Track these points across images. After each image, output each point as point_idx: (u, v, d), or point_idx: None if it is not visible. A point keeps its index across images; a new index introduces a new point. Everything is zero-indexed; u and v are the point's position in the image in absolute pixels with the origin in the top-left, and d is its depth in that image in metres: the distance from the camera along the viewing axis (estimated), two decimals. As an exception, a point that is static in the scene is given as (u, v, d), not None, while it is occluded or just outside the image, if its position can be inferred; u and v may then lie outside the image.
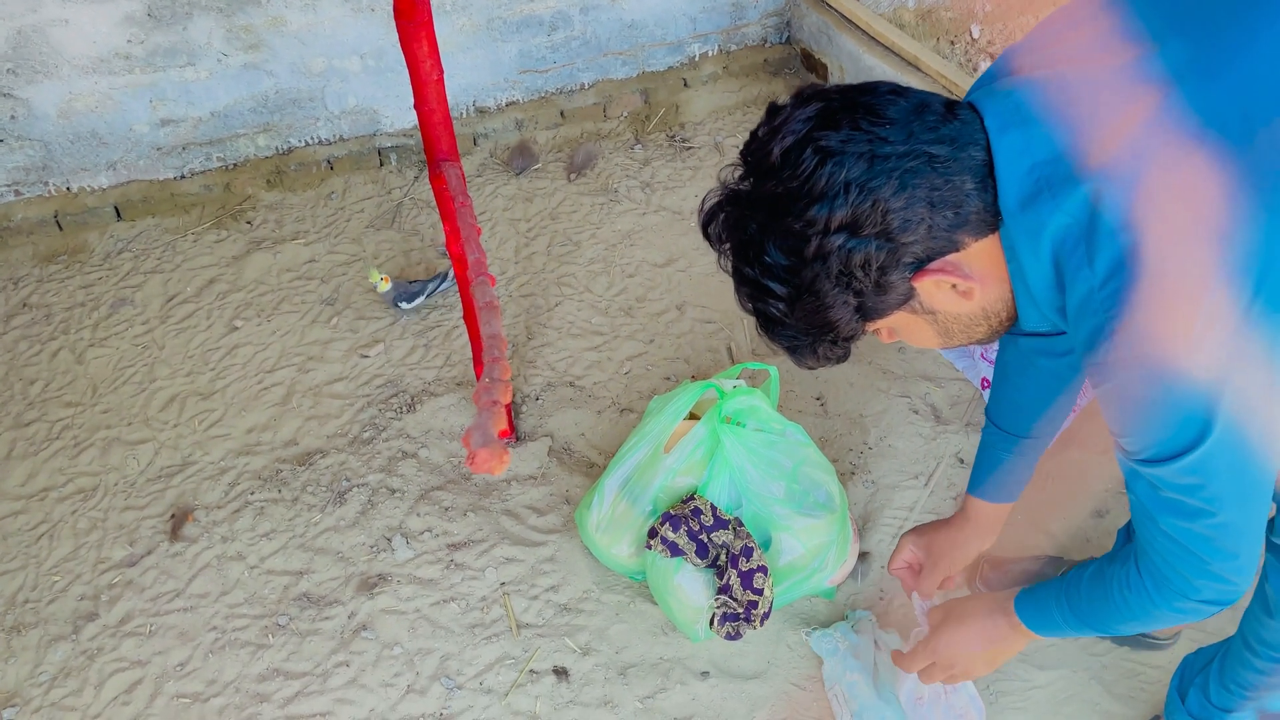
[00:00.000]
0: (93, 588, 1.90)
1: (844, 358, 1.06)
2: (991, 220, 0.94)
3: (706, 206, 1.01)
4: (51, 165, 2.56)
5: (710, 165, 2.84)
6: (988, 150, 0.93)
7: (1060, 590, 1.18)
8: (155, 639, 1.82)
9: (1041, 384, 1.32)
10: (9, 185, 2.55)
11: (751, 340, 2.32)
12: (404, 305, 2.36)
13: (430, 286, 2.38)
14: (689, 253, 2.55)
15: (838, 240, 0.91)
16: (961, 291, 0.97)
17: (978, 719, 1.54)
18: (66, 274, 2.54)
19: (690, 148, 2.91)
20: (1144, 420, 0.91)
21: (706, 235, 1.01)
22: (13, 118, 2.45)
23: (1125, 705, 1.68)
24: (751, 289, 0.99)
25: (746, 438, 1.75)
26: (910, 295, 0.97)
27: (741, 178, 0.97)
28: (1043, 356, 1.29)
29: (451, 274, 2.41)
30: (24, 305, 2.46)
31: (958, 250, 0.95)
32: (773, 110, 0.96)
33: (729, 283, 1.03)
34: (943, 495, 1.99)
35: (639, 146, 2.90)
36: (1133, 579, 1.08)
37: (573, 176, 2.80)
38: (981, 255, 0.96)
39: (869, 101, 0.92)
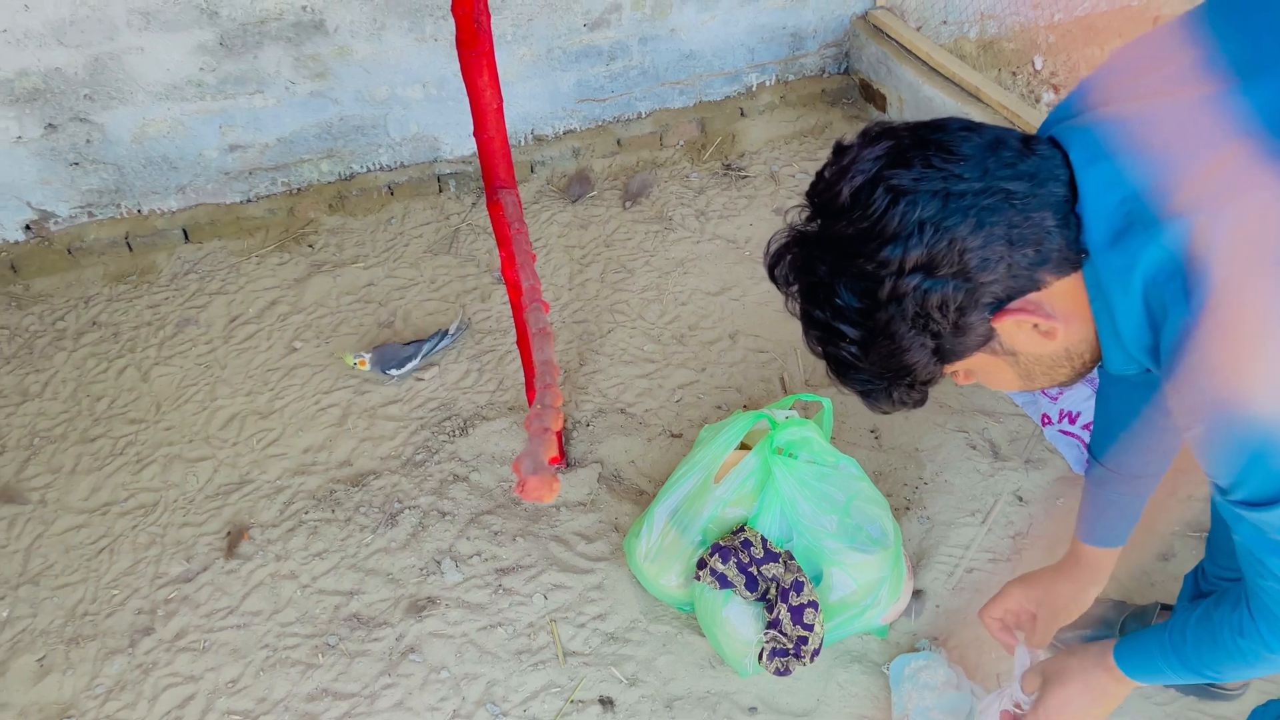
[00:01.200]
0: (150, 602, 1.93)
1: (921, 402, 1.03)
2: (1074, 257, 0.92)
3: (773, 249, 0.98)
4: (124, 188, 2.64)
5: (766, 194, 2.83)
6: (1069, 186, 0.90)
7: (1164, 637, 1.14)
8: (209, 655, 1.84)
9: (1147, 418, 1.26)
10: (83, 207, 2.64)
11: (805, 371, 2.30)
12: (393, 373, 2.29)
13: (426, 346, 2.32)
14: (743, 281, 2.54)
15: (913, 281, 0.88)
16: (1044, 332, 0.94)
17: None
18: (135, 294, 2.61)
19: (746, 176, 2.91)
20: (1244, 463, 0.88)
21: (773, 278, 0.99)
22: (88, 141, 2.54)
23: (1191, 757, 1.62)
24: (822, 332, 0.97)
25: (798, 469, 1.73)
26: (990, 336, 0.94)
27: (809, 219, 0.95)
28: (1147, 389, 1.25)
29: (452, 330, 2.38)
30: (94, 323, 2.53)
31: (1039, 289, 0.92)
32: (840, 150, 0.94)
33: (783, 312, 1.01)
34: (1000, 533, 1.94)
35: (695, 175, 2.91)
36: (1245, 623, 1.03)
37: (628, 204, 2.82)
38: (1064, 294, 0.93)
39: (941, 139, 0.90)
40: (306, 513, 2.06)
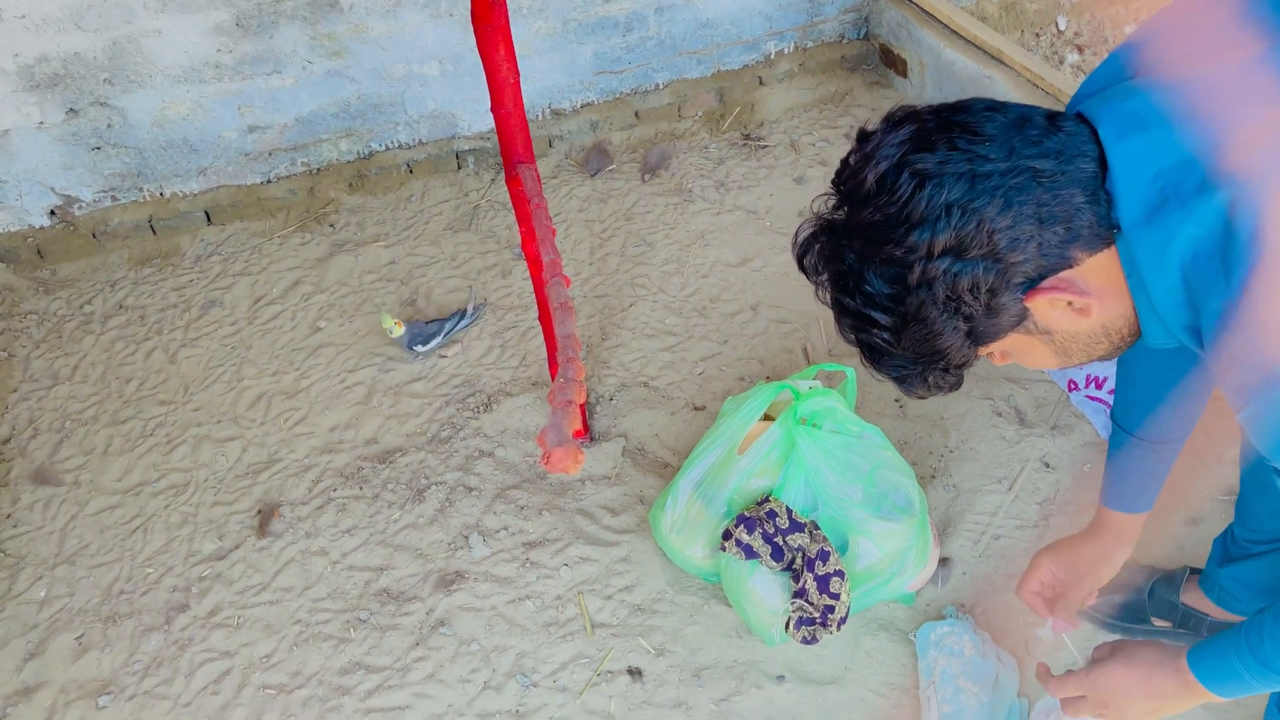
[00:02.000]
0: (184, 580, 1.96)
1: (957, 385, 1.02)
2: (1106, 234, 0.90)
3: (800, 238, 0.98)
4: (145, 171, 2.66)
5: (786, 164, 2.81)
6: (1099, 162, 0.89)
7: (1237, 638, 1.08)
8: (243, 631, 1.88)
9: (1169, 382, 1.25)
10: (105, 191, 2.66)
11: (828, 340, 2.29)
12: (419, 349, 2.28)
13: (448, 326, 2.32)
14: (764, 252, 2.53)
15: (943, 265, 0.88)
16: (1078, 309, 0.93)
17: None
18: (160, 276, 2.63)
19: (765, 146, 2.88)
20: None
21: (802, 267, 0.99)
22: (109, 126, 2.55)
23: (1219, 717, 1.62)
24: (854, 320, 0.97)
25: (823, 439, 1.73)
26: (1024, 316, 0.93)
27: (835, 207, 0.95)
28: (1171, 353, 1.22)
29: (470, 310, 2.38)
30: (120, 307, 2.56)
31: (1071, 266, 0.91)
32: (863, 136, 0.93)
33: (805, 283, 1.01)
34: (1027, 500, 1.93)
35: (714, 146, 2.89)
36: None
37: (647, 177, 2.80)
38: (1098, 270, 0.92)
39: (965, 120, 0.89)
40: (335, 490, 2.09)
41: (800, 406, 1.74)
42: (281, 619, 1.89)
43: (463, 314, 2.38)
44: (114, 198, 2.68)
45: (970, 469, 2.00)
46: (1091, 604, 1.44)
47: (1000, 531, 1.89)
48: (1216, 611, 1.65)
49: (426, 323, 2.34)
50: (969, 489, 1.96)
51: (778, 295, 2.41)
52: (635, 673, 1.75)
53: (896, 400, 2.14)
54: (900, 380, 1.02)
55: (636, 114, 2.96)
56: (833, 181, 0.95)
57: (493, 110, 1.64)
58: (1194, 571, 1.72)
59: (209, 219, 2.75)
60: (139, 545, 2.03)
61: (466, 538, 1.97)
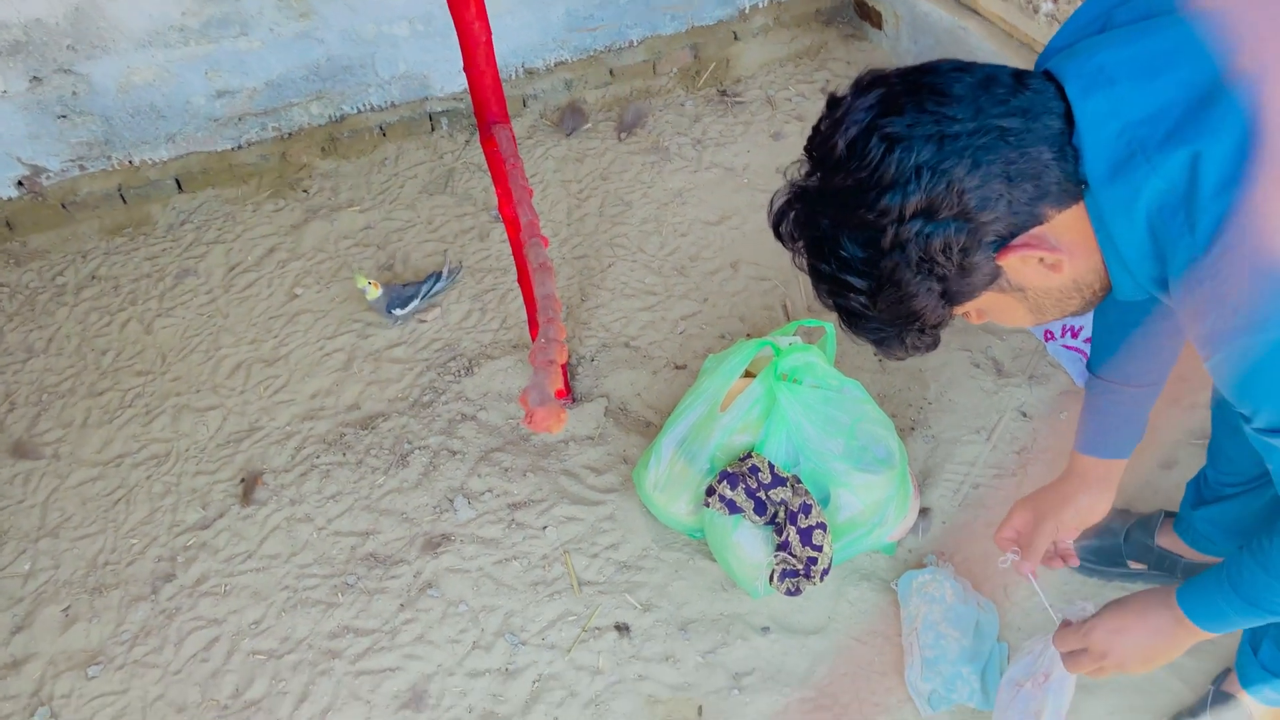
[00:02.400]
0: (169, 550, 1.96)
1: (934, 345, 1.03)
2: (1074, 189, 0.91)
3: (775, 206, 0.99)
4: (113, 139, 2.62)
5: (762, 119, 2.80)
6: (1065, 118, 0.90)
7: (1220, 575, 1.11)
8: (230, 598, 1.88)
9: (1145, 328, 1.26)
10: (74, 160, 2.61)
11: (807, 297, 2.30)
12: (397, 312, 2.26)
13: (424, 288, 2.31)
14: (742, 210, 2.53)
15: (914, 227, 0.89)
16: (1050, 265, 0.94)
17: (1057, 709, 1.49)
18: (132, 246, 2.60)
19: (742, 102, 2.87)
20: (1260, 392, 0.88)
21: (778, 235, 1.00)
22: (74, 93, 2.50)
23: (1195, 658, 1.65)
24: (830, 285, 0.98)
25: (803, 394, 1.74)
26: (997, 274, 0.95)
27: (808, 174, 0.96)
28: (1146, 302, 1.22)
29: (446, 273, 2.36)
30: (93, 278, 2.53)
31: (1041, 223, 0.92)
32: (833, 102, 0.94)
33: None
34: (1005, 450, 1.96)
35: (689, 102, 2.87)
36: None
37: (623, 135, 2.79)
38: (1068, 226, 0.93)
39: (932, 81, 0.90)
40: (318, 457, 2.09)
41: (781, 363, 1.75)
42: (269, 586, 1.89)
43: (438, 276, 2.36)
44: (82, 167, 2.64)
45: (949, 420, 2.02)
46: (1065, 547, 1.45)
47: (979, 480, 1.92)
48: (1191, 554, 1.69)
49: (404, 285, 2.32)
50: (948, 440, 1.99)
51: (757, 252, 2.41)
52: (623, 628, 1.78)
53: (876, 354, 2.15)
54: (878, 343, 1.03)
55: (611, 72, 2.93)
56: (805, 148, 0.96)
57: (465, 70, 1.62)
58: (1169, 515, 1.75)
59: (180, 187, 2.71)
60: (122, 516, 2.03)
61: (451, 501, 1.98)
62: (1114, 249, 0.95)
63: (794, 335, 1.87)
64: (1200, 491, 1.63)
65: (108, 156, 2.64)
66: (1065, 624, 1.35)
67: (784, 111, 2.82)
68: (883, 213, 0.89)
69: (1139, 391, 1.32)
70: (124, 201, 2.68)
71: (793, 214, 0.98)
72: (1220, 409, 1.54)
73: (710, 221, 2.51)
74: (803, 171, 0.97)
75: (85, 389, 2.27)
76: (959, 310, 1.00)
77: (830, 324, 1.89)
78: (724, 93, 2.91)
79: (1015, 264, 0.94)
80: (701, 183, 2.62)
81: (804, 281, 2.33)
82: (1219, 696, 1.55)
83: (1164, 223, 0.88)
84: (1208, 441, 1.61)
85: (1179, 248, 0.87)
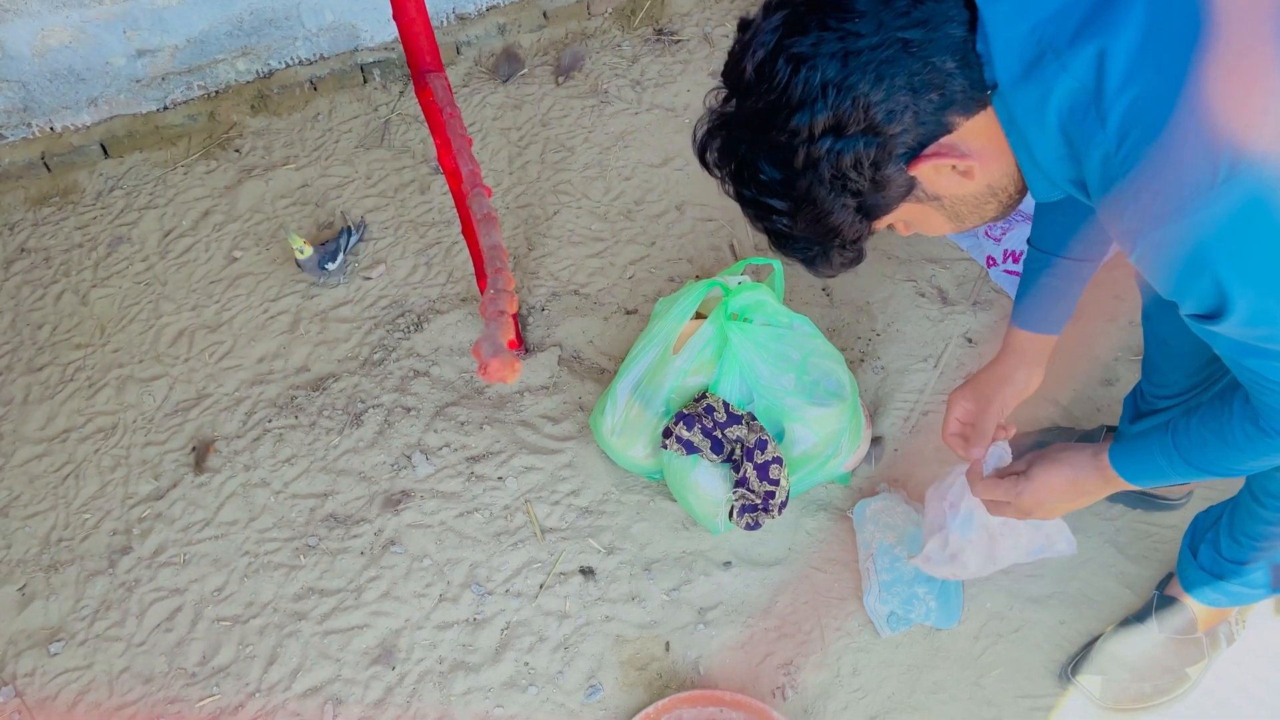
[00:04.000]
0: (124, 522, 1.94)
1: (859, 259, 1.06)
2: (981, 96, 0.93)
3: (698, 136, 1.01)
4: (32, 106, 2.52)
5: (700, 58, 2.77)
6: (969, 26, 0.90)
7: (1165, 438, 1.15)
8: (190, 567, 1.87)
9: (1085, 208, 1.26)
10: (-9, 129, 2.51)
11: (754, 236, 2.30)
12: (329, 266, 2.25)
13: (343, 242, 2.30)
14: (685, 151, 2.51)
15: (824, 145, 0.90)
16: (962, 172, 0.96)
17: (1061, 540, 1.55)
18: (60, 216, 2.52)
19: (679, 40, 2.84)
20: (1181, 280, 0.90)
21: (704, 164, 1.01)
22: (-14, 59, 2.40)
23: (1139, 565, 1.73)
24: (754, 209, 1.00)
25: (754, 333, 1.76)
26: (911, 186, 0.97)
27: (725, 100, 0.97)
28: None
29: (353, 229, 2.35)
30: (22, 250, 2.45)
31: (950, 132, 0.93)
32: (743, 25, 0.95)
33: (727, 180, 1.02)
34: (952, 375, 2.00)
35: (626, 43, 2.83)
36: (1251, 414, 1.05)
37: (561, 80, 2.75)
38: (977, 132, 0.95)
39: None
40: (270, 421, 2.06)
41: (730, 302, 1.76)
42: (229, 552, 1.88)
43: (348, 231, 2.34)
44: (1, 135, 2.54)
45: (897, 350, 2.05)
46: (1006, 433, 1.47)
47: (928, 408, 1.96)
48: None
49: (323, 244, 2.30)
50: (897, 369, 2.02)
51: (701, 194, 2.41)
52: (588, 572, 1.80)
53: (824, 289, 2.18)
54: (807, 262, 1.06)
55: (545, 14, 2.87)
56: (721, 74, 0.97)
57: (395, 18, 1.58)
58: (1109, 429, 1.80)
59: (106, 152, 2.63)
60: (72, 492, 1.99)
61: (409, 457, 1.98)
62: (1027, 151, 0.96)
63: (742, 274, 1.88)
64: (1137, 405, 1.68)
65: (28, 124, 2.54)
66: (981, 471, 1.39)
67: (721, 49, 2.80)
68: (793, 133, 0.91)
69: (1075, 265, 1.34)
70: (48, 170, 2.58)
71: (715, 142, 0.99)
72: (1149, 323, 1.58)
73: (654, 164, 2.50)
74: (719, 98, 0.98)
75: (23, 365, 2.21)
76: (880, 224, 1.02)
77: (778, 262, 1.90)
78: (660, 32, 2.87)
79: (928, 174, 0.96)
80: (643, 125, 2.60)
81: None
82: (1163, 601, 1.62)
83: (1076, 122, 0.89)
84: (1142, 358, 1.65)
85: (1092, 145, 0.89)
